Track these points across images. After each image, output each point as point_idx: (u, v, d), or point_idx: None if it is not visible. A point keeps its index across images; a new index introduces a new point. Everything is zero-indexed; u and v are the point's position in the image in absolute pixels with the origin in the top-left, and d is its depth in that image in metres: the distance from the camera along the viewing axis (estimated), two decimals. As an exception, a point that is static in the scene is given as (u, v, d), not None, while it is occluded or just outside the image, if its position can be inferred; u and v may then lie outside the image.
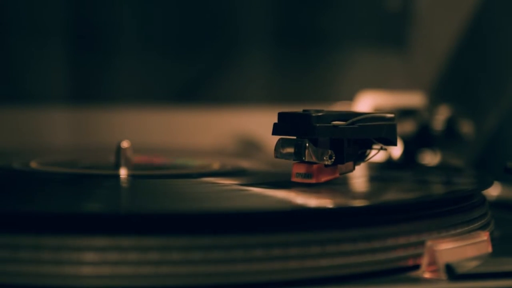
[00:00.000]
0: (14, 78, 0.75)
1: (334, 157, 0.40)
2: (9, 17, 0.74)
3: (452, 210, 0.38)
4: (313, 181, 0.39)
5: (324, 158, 0.39)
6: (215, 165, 0.51)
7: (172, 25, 0.77)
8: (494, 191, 0.54)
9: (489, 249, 0.37)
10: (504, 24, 0.69)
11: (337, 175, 0.40)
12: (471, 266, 0.34)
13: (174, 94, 0.78)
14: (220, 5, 0.78)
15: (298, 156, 0.39)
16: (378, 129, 0.40)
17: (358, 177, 0.45)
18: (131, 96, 0.77)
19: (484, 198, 0.42)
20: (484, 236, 0.37)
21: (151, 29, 0.78)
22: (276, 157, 0.40)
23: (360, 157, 0.41)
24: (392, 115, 0.41)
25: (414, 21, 0.79)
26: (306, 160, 0.39)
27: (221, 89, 0.78)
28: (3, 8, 0.74)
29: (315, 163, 0.39)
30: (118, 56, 0.76)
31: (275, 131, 0.40)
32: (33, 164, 0.50)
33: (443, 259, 0.34)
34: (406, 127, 0.61)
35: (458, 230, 0.37)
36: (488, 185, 0.43)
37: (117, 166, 0.47)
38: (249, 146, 0.73)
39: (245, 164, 0.53)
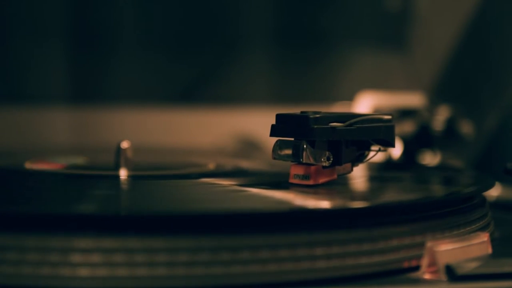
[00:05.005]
0: (14, 78, 0.75)
1: (332, 159, 0.40)
2: (9, 17, 0.74)
3: (452, 211, 0.37)
4: (310, 182, 0.39)
5: (322, 159, 0.39)
6: (215, 166, 0.51)
7: (172, 25, 0.77)
8: (494, 191, 0.54)
9: (489, 250, 0.37)
10: (504, 24, 0.69)
11: (335, 176, 0.40)
12: (471, 267, 0.34)
13: (174, 94, 0.78)
14: (220, 5, 0.78)
15: (296, 157, 0.39)
16: (376, 130, 0.40)
17: (358, 177, 0.45)
18: (131, 96, 0.77)
19: (484, 199, 0.42)
20: (484, 237, 0.37)
21: (151, 29, 0.78)
22: (274, 158, 0.40)
23: (358, 158, 0.41)
24: (389, 117, 0.41)
25: (414, 21, 0.79)
26: (304, 161, 0.39)
27: (221, 89, 0.78)
28: (3, 8, 0.74)
29: (313, 164, 0.39)
30: (118, 56, 0.76)
31: (272, 133, 0.40)
32: (33, 164, 0.50)
33: (443, 260, 0.34)
34: (406, 127, 0.61)
35: (458, 231, 0.37)
36: (489, 186, 0.43)
37: (117, 167, 0.47)
38: (249, 146, 0.73)
39: (244, 164, 0.53)
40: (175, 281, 0.31)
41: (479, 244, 0.36)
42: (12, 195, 0.39)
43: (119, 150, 0.47)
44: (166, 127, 0.76)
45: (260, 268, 0.32)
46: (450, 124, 0.61)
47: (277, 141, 0.40)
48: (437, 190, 0.45)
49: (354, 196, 0.40)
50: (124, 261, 0.31)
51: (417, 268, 0.34)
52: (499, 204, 0.52)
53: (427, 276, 0.34)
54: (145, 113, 0.76)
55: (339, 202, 0.37)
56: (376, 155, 0.42)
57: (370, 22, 0.80)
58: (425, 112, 0.62)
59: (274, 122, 0.40)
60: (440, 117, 0.61)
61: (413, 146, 0.60)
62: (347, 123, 0.39)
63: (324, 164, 0.39)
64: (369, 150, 0.42)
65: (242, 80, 0.78)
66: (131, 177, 0.45)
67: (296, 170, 0.40)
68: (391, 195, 0.42)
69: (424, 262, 0.34)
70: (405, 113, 0.62)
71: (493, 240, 0.38)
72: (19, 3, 0.74)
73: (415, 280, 0.33)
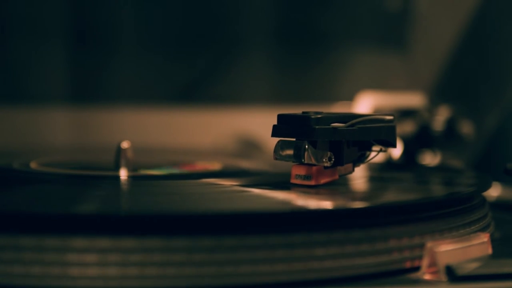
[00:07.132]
0: (14, 78, 0.75)
1: (333, 159, 0.40)
2: (9, 17, 0.74)
3: (452, 211, 0.38)
4: (312, 183, 0.39)
5: (323, 160, 0.39)
6: (215, 166, 0.51)
7: (172, 25, 0.77)
8: (494, 191, 0.54)
9: (489, 250, 0.37)
10: (504, 24, 0.69)
11: (336, 177, 0.40)
12: (471, 267, 0.34)
13: (174, 94, 0.78)
14: (220, 5, 0.78)
15: (298, 158, 0.39)
16: (377, 131, 0.40)
17: (358, 178, 0.45)
18: (131, 96, 0.77)
19: (484, 200, 0.42)
20: (485, 237, 0.37)
21: (151, 29, 0.77)
22: (276, 159, 0.40)
23: (360, 158, 0.41)
24: (391, 117, 0.41)
25: (414, 21, 0.79)
26: (306, 162, 0.39)
27: (221, 89, 0.78)
28: (3, 8, 0.74)
29: (314, 165, 0.39)
30: (118, 56, 0.76)
31: (274, 133, 0.40)
32: (33, 165, 0.50)
33: (443, 261, 0.34)
34: (406, 127, 0.61)
35: (459, 232, 0.37)
36: (488, 186, 0.43)
37: (117, 167, 0.47)
38: (249, 146, 0.73)
39: (245, 164, 0.53)
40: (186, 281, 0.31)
41: (479, 245, 0.36)
42: (11, 195, 0.39)
43: (119, 150, 0.47)
44: (166, 127, 0.76)
45: (259, 268, 0.32)
46: (450, 124, 0.61)
47: (278, 142, 0.40)
48: (437, 190, 0.45)
49: (354, 196, 0.40)
50: (121, 262, 0.31)
51: (417, 268, 0.35)
52: (499, 204, 0.52)
53: (427, 277, 0.34)
54: (145, 113, 0.76)
55: (340, 203, 0.37)
56: (377, 156, 0.42)
57: (370, 22, 0.80)
58: (425, 112, 0.62)
59: (274, 122, 0.40)
60: (440, 117, 0.61)
61: (413, 146, 0.60)
62: (349, 123, 0.39)
63: (325, 164, 0.39)
64: (371, 150, 0.42)
65: (242, 80, 0.78)
66: (131, 177, 0.45)
67: (297, 171, 0.40)
68: (391, 196, 0.42)
69: (424, 262, 0.34)
70: (405, 113, 0.62)
71: (493, 241, 0.38)
72: (19, 3, 0.74)
73: (415, 281, 0.33)
